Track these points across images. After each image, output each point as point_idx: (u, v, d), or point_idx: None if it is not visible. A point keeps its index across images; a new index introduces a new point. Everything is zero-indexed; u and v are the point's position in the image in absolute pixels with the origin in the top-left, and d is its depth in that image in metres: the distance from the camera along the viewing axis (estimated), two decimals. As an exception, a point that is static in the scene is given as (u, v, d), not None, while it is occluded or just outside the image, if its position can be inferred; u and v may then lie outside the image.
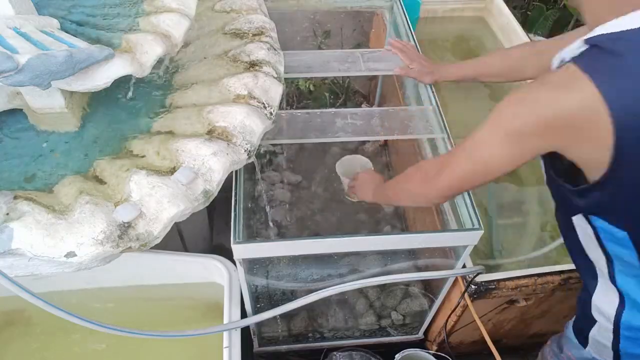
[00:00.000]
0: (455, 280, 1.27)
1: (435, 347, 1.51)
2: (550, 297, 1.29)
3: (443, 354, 1.38)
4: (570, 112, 0.69)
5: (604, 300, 0.87)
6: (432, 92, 1.34)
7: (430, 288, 1.53)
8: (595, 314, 0.89)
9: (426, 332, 1.58)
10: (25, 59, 0.72)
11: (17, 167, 0.92)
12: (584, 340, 0.94)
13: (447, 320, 1.37)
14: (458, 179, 0.86)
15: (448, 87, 1.41)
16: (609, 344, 0.87)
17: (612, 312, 0.85)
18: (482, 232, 1.10)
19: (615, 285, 0.83)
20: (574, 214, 0.82)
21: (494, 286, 1.19)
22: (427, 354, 1.39)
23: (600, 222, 0.78)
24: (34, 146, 0.97)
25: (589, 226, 0.80)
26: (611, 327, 0.86)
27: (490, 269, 1.23)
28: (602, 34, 0.71)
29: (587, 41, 0.73)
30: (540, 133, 0.73)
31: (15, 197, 0.82)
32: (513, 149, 0.76)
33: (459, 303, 1.27)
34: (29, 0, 0.87)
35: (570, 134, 0.71)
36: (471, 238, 1.12)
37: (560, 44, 0.83)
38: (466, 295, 1.22)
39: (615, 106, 0.66)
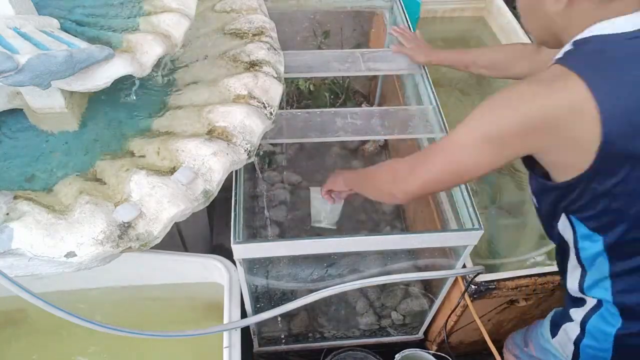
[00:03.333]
0: (455, 280, 1.27)
1: (435, 347, 1.51)
2: (550, 297, 1.29)
3: (443, 354, 1.38)
4: (558, 111, 0.67)
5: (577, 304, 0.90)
6: (432, 92, 1.34)
7: (430, 288, 1.53)
8: (570, 311, 0.92)
9: (426, 332, 1.57)
10: (25, 59, 0.72)
11: (17, 167, 0.92)
12: (554, 331, 0.97)
13: (447, 320, 1.37)
14: (432, 180, 0.84)
15: (448, 88, 1.42)
16: (574, 337, 0.90)
17: (582, 314, 0.88)
18: (482, 232, 1.10)
19: (584, 294, 0.87)
20: (558, 216, 0.83)
21: (494, 286, 1.19)
22: (427, 354, 1.39)
23: (580, 227, 0.79)
24: (34, 146, 0.97)
25: (571, 230, 0.82)
26: (578, 325, 0.89)
27: (490, 269, 1.22)
28: (592, 36, 0.70)
29: (575, 42, 0.72)
30: (523, 134, 0.71)
31: (15, 197, 0.82)
32: (492, 152, 0.74)
33: (459, 303, 1.27)
34: (29, 0, 0.86)
35: (553, 136, 0.70)
36: (471, 238, 1.12)
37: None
38: (466, 295, 1.22)
39: (605, 108, 0.64)
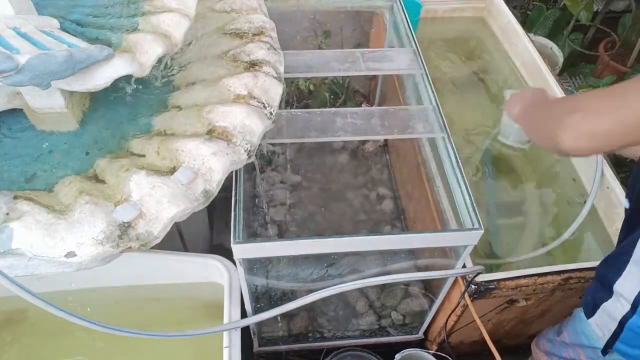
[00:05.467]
0: (455, 280, 1.27)
1: (435, 347, 1.51)
2: (550, 297, 1.29)
3: (443, 354, 1.38)
4: None
5: (629, 280, 0.86)
6: (432, 92, 1.34)
7: (430, 288, 1.53)
8: (616, 287, 0.88)
9: (426, 332, 1.58)
10: (25, 59, 0.72)
11: (17, 167, 0.92)
12: (592, 310, 0.94)
13: (447, 320, 1.37)
14: (621, 120, 0.60)
15: (448, 87, 1.42)
16: (620, 316, 0.87)
17: (635, 291, 0.84)
18: (482, 232, 1.10)
19: None
20: None
21: (494, 286, 1.19)
22: (427, 354, 1.39)
23: None
24: (34, 146, 0.97)
25: None
26: (629, 303, 0.86)
27: (490, 269, 1.23)
28: None
29: None
30: None
31: (15, 197, 0.82)
32: None
33: (459, 303, 1.27)
34: (29, 0, 0.86)
35: None
36: (471, 238, 1.12)
37: None
38: (466, 295, 1.22)
39: None
